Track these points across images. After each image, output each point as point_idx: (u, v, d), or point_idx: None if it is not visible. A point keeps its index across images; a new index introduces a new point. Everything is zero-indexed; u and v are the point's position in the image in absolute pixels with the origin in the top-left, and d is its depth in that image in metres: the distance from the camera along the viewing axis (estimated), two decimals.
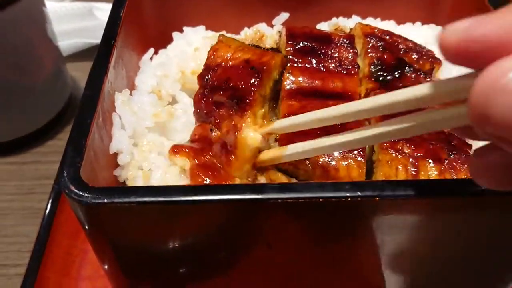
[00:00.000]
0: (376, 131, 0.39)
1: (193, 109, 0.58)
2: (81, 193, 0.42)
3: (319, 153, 0.47)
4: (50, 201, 0.64)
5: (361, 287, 0.54)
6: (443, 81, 0.33)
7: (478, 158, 0.33)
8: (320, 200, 0.42)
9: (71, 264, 0.62)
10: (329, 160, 0.51)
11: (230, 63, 0.56)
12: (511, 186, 0.32)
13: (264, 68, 0.54)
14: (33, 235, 0.67)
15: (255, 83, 0.53)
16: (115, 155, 0.55)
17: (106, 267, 0.53)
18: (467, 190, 0.42)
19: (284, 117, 0.55)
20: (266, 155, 0.51)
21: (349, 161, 0.51)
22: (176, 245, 0.47)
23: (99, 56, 0.55)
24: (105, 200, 0.42)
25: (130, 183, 0.55)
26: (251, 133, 0.51)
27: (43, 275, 0.58)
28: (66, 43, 0.89)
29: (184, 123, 0.59)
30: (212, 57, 0.57)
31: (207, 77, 0.56)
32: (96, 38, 0.88)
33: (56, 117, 0.80)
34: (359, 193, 0.42)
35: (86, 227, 0.46)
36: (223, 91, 0.53)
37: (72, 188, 0.42)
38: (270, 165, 0.52)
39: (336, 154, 0.51)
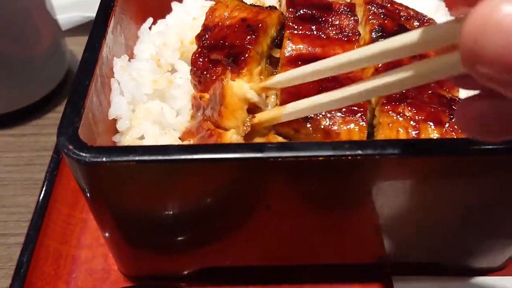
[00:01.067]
0: (372, 84, 0.38)
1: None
2: (79, 152, 0.42)
3: (317, 110, 0.47)
4: (49, 170, 0.63)
5: (361, 249, 0.54)
6: (437, 26, 0.32)
7: (465, 107, 0.32)
8: (320, 159, 0.42)
9: (70, 233, 0.62)
10: (330, 124, 0.51)
11: (227, 22, 0.56)
12: (500, 137, 0.31)
13: (260, 25, 0.54)
14: (32, 205, 0.67)
15: (251, 41, 0.53)
16: (114, 121, 0.55)
17: (106, 233, 0.53)
18: (470, 149, 0.41)
19: None
20: (264, 115, 0.50)
21: (351, 125, 0.50)
22: (175, 207, 0.47)
23: (97, 20, 0.55)
24: (104, 159, 0.41)
25: None
26: (235, 82, 0.50)
27: (43, 243, 0.58)
28: (65, 16, 0.88)
29: (183, 91, 0.59)
30: (210, 17, 0.57)
31: (204, 37, 0.56)
32: (94, 12, 0.87)
33: (55, 90, 0.80)
34: (360, 152, 0.41)
35: (85, 188, 0.46)
36: (219, 50, 0.53)
37: (71, 147, 0.42)
38: (270, 129, 0.52)
39: (337, 117, 0.50)
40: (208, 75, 0.53)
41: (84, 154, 0.42)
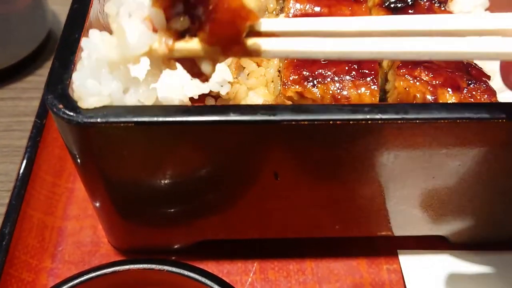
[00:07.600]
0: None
1: None
2: (70, 112, 0.37)
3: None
4: (32, 136, 0.58)
5: (368, 221, 0.51)
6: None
7: None
8: (338, 123, 0.38)
9: (56, 203, 0.58)
10: (339, 88, 0.47)
11: None
12: None
13: None
14: (12, 174, 0.63)
15: None
16: None
17: (96, 203, 0.49)
18: (496, 113, 0.38)
19: None
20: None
21: (361, 89, 0.47)
22: (174, 174, 0.43)
23: None
24: (99, 120, 0.37)
25: None
26: None
27: (26, 214, 0.54)
28: None
29: None
30: None
31: None
32: None
33: (35, 51, 0.74)
34: (380, 116, 0.38)
35: (76, 153, 0.41)
36: None
37: (61, 106, 0.38)
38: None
39: (346, 81, 0.47)
40: None
41: (76, 114, 0.37)
